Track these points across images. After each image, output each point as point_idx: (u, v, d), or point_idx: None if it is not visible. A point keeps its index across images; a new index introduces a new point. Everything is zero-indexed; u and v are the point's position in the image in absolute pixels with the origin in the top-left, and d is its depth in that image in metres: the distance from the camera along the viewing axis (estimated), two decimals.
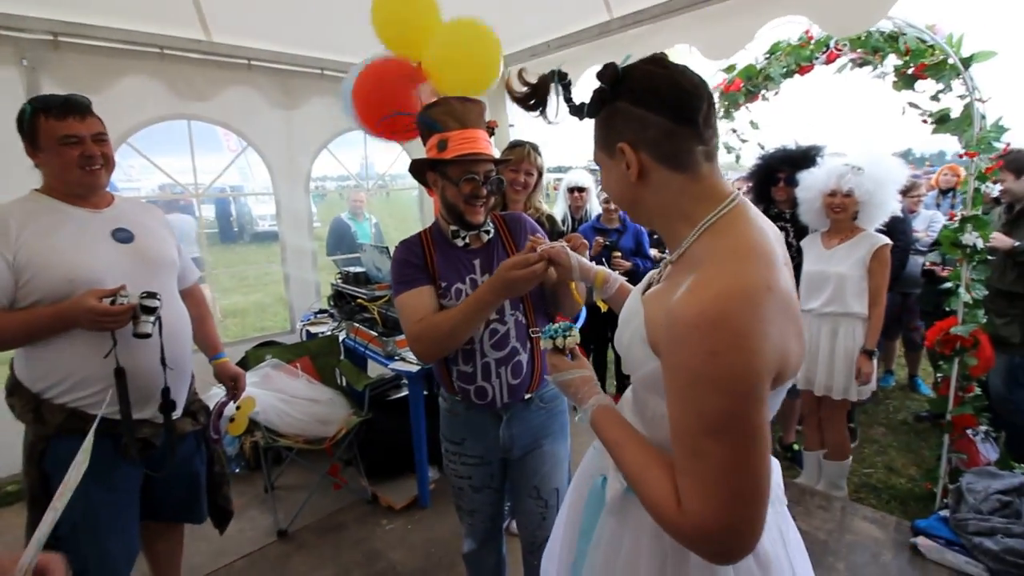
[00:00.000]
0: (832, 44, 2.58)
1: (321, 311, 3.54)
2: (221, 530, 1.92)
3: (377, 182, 4.73)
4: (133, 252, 1.52)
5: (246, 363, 2.75)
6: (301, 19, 3.06)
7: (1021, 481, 2.22)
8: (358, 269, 3.51)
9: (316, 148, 3.84)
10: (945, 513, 2.31)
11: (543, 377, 1.49)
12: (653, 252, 3.68)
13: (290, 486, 2.79)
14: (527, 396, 1.46)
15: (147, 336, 1.41)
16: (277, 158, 3.67)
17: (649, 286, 0.89)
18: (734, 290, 0.65)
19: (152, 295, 1.41)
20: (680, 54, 2.67)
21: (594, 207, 3.89)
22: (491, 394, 1.41)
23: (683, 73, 0.77)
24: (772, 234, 0.77)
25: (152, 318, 1.42)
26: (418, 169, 1.43)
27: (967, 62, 2.19)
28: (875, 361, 2.43)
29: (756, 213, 0.79)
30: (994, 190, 2.35)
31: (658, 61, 0.79)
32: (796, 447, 3.05)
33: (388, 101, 2.06)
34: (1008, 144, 2.28)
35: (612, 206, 3.55)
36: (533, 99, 0.86)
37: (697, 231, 0.76)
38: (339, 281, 3.53)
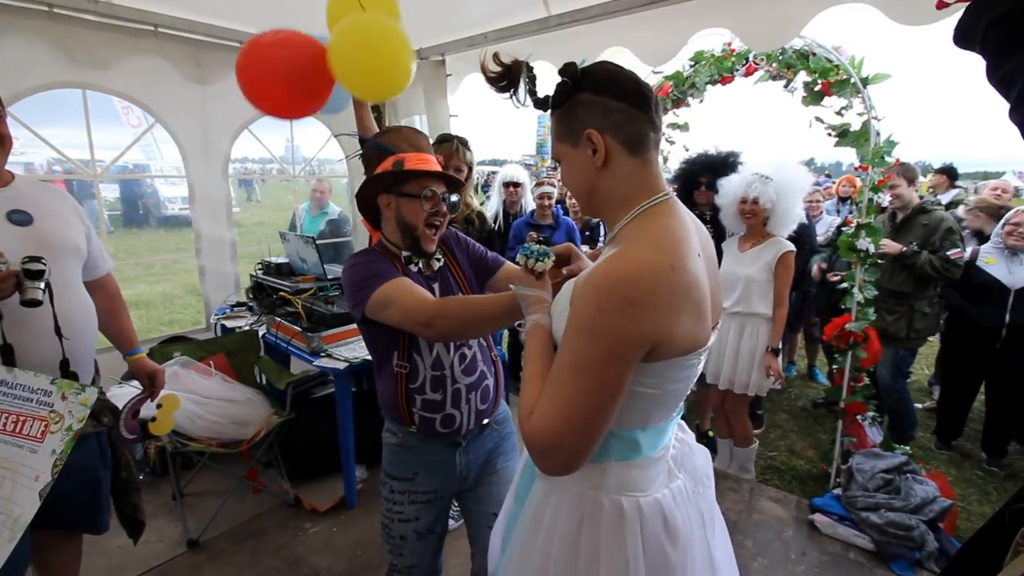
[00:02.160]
0: (751, 58, 2.75)
1: (238, 304, 3.31)
2: (134, 541, 1.77)
3: (305, 167, 4.47)
4: (30, 235, 1.40)
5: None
6: None
7: (901, 461, 2.50)
8: (280, 260, 3.32)
9: (236, 128, 3.56)
10: (838, 491, 2.55)
11: (500, 398, 1.46)
12: (585, 248, 3.76)
13: (202, 492, 2.60)
14: (485, 421, 1.41)
15: (37, 303, 1.27)
16: (190, 137, 3.35)
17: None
18: (639, 262, 0.76)
19: (36, 259, 1.29)
20: (616, 57, 2.74)
21: (528, 202, 3.92)
22: (458, 421, 1.34)
23: (627, 70, 0.87)
24: (693, 227, 0.86)
25: (40, 283, 1.29)
26: (371, 190, 1.33)
27: (866, 82, 2.42)
28: (780, 358, 2.63)
29: (684, 209, 0.88)
30: (884, 199, 2.62)
31: (611, 63, 0.88)
32: (711, 434, 3.25)
33: (293, 77, 1.87)
34: (898, 159, 2.54)
35: (547, 202, 3.60)
36: (505, 81, 0.90)
37: (630, 215, 0.85)
38: (259, 272, 3.32)
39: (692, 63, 2.98)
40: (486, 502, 1.42)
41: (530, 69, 0.89)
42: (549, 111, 0.92)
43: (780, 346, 2.61)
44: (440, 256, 1.41)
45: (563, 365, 0.78)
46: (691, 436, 1.07)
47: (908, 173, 2.99)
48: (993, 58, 0.48)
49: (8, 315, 1.30)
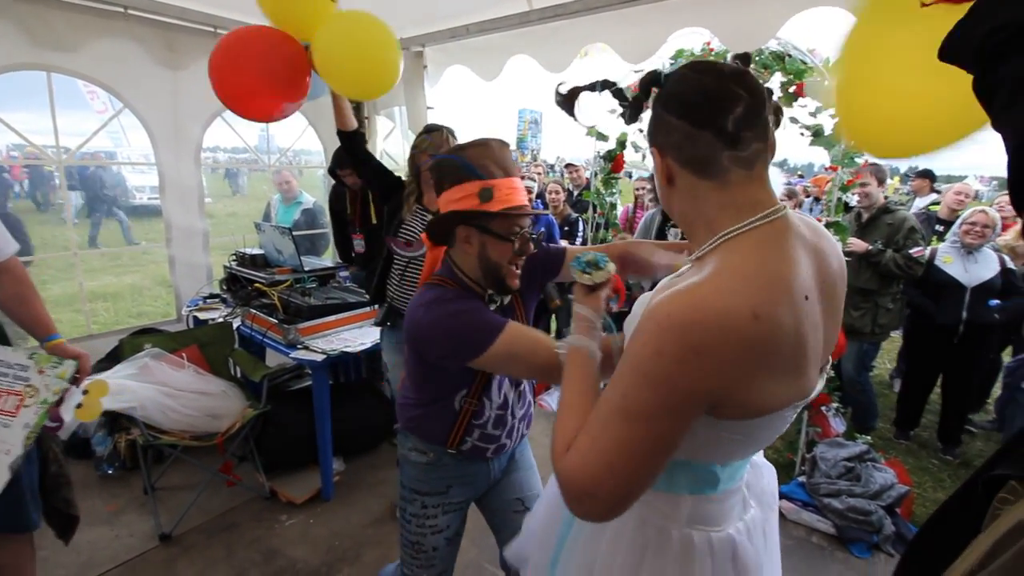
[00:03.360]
0: (728, 57, 2.81)
1: (211, 296, 3.24)
2: (65, 540, 1.69)
3: (280, 157, 4.39)
4: None
5: (120, 353, 2.45)
6: None
7: (862, 449, 2.61)
8: (255, 251, 3.27)
9: (208, 115, 3.47)
10: (802, 479, 2.65)
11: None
12: (563, 243, 3.80)
13: (174, 486, 2.55)
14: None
15: None
16: (160, 123, 3.25)
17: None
18: (712, 306, 0.64)
19: None
20: (599, 53, 2.76)
21: None
22: (508, 447, 1.37)
23: (718, 76, 0.72)
24: (806, 265, 0.72)
25: None
26: (446, 222, 1.17)
27: None
28: None
29: (800, 235, 0.74)
30: (852, 199, 2.72)
31: (696, 65, 0.77)
32: None
33: (266, 76, 1.79)
34: (867, 160, 2.64)
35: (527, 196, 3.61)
36: (570, 104, 0.91)
37: (715, 240, 0.73)
38: (233, 263, 3.26)
39: (672, 61, 3.03)
40: (509, 490, 1.45)
41: (611, 85, 0.86)
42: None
43: None
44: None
45: (612, 407, 0.69)
46: (759, 454, 0.97)
47: (879, 173, 3.11)
48: (982, 69, 0.49)
49: None
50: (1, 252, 1.50)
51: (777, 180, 2.77)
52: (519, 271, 1.20)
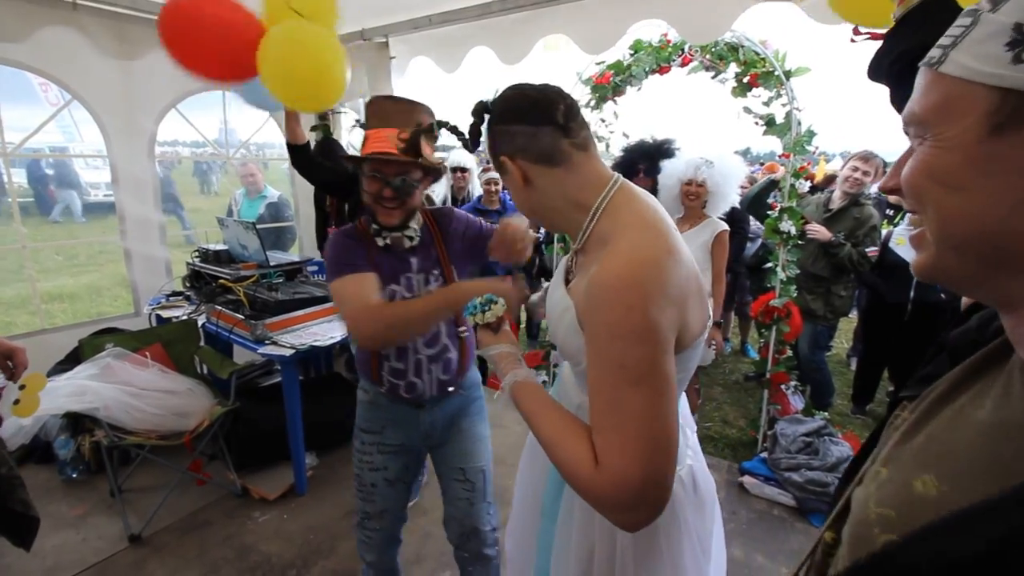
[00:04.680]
0: (686, 48, 2.87)
1: (174, 293, 3.17)
2: (26, 546, 1.63)
3: (239, 150, 4.28)
4: None
5: (81, 353, 2.39)
6: None
7: (819, 425, 2.74)
8: (219, 247, 3.21)
9: (162, 107, 3.38)
10: (764, 455, 2.77)
11: (467, 370, 1.52)
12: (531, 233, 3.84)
13: (142, 487, 2.51)
14: (450, 389, 1.49)
15: None
16: (112, 116, 3.15)
17: (567, 278, 0.94)
18: (641, 256, 0.72)
19: None
20: (559, 45, 2.79)
21: (476, 188, 3.94)
22: (420, 388, 1.44)
23: (532, 87, 0.87)
24: (659, 205, 0.85)
25: None
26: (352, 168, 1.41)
27: (789, 75, 2.59)
28: (719, 330, 2.81)
29: (640, 191, 0.86)
30: (805, 186, 2.82)
31: (514, 86, 0.89)
32: None
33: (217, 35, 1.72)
34: (816, 147, 2.74)
35: (493, 187, 3.63)
36: (414, 150, 1.00)
37: (593, 215, 0.83)
38: (196, 260, 3.19)
39: (632, 52, 3.08)
40: (453, 458, 1.54)
41: (444, 124, 0.98)
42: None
43: (721, 320, 2.78)
44: (416, 235, 1.41)
45: (614, 385, 0.69)
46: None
47: (880, 167, 3.10)
48: (893, 87, 0.59)
49: None
50: None
51: (741, 168, 2.84)
52: (392, 211, 1.34)
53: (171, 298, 3.08)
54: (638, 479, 0.65)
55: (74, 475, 2.56)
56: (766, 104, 2.71)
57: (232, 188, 4.37)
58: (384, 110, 1.34)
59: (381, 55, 3.43)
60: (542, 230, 4.01)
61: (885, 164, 3.11)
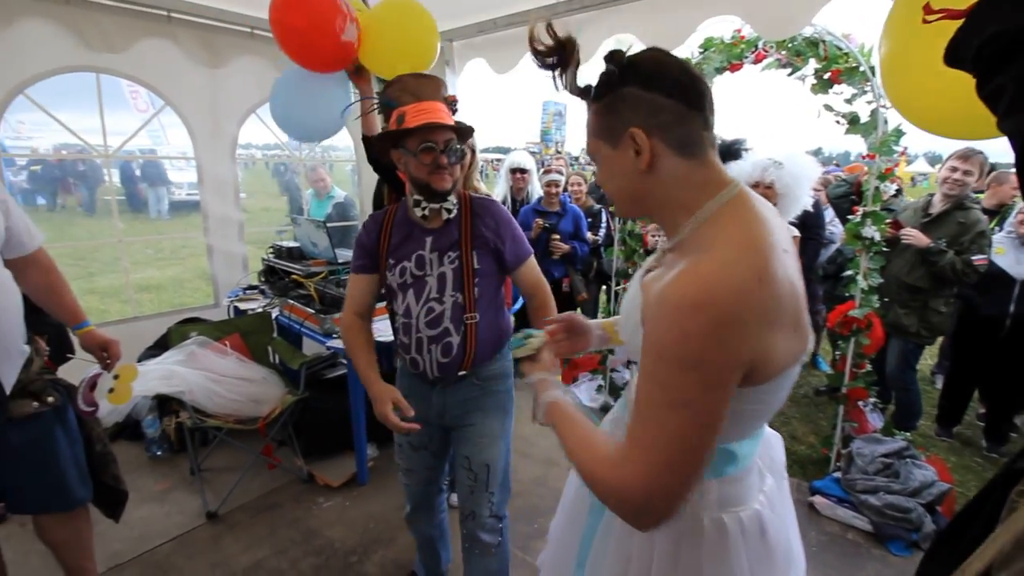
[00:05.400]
0: (760, 45, 2.75)
1: (251, 287, 3.36)
2: (116, 517, 1.79)
3: (310, 152, 4.50)
4: None
5: (169, 340, 2.58)
6: None
7: (901, 446, 2.54)
8: (292, 244, 3.37)
9: (243, 112, 3.60)
10: (838, 475, 2.61)
11: (474, 359, 1.52)
12: (589, 236, 3.80)
13: (219, 468, 2.68)
14: (460, 374, 1.51)
15: None
16: (199, 120, 3.40)
17: (648, 272, 0.89)
18: (722, 278, 0.66)
19: None
20: (623, 43, 2.75)
21: (535, 189, 3.94)
22: (422, 366, 1.49)
23: (688, 61, 0.80)
24: (774, 223, 0.76)
25: None
26: (383, 149, 1.41)
27: (875, 70, 2.42)
28: None
29: (759, 201, 0.77)
30: (891, 189, 2.63)
31: (663, 51, 0.78)
32: None
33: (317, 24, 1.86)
34: (905, 148, 2.55)
35: (554, 190, 3.62)
36: (555, 57, 0.79)
37: (696, 220, 0.76)
38: (271, 256, 3.37)
39: (702, 50, 2.98)
40: (462, 446, 1.60)
41: (578, 48, 0.79)
42: (588, 102, 0.81)
43: None
44: (454, 209, 1.45)
45: (652, 403, 0.69)
46: (764, 426, 0.99)
47: (983, 164, 2.85)
48: (983, 74, 0.50)
49: None
50: (25, 245, 1.55)
51: (813, 169, 2.68)
52: (447, 176, 1.38)
53: (248, 291, 3.27)
54: (648, 491, 0.68)
55: (159, 453, 2.78)
56: (848, 102, 2.55)
57: (303, 189, 4.59)
58: (413, 86, 1.38)
59: (440, 58, 3.50)
60: (601, 232, 3.96)
61: (990, 164, 2.82)
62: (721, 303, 0.65)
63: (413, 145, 1.34)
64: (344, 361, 2.82)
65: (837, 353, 2.84)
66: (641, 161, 0.75)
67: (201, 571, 2.05)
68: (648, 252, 3.51)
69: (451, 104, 1.40)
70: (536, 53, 0.79)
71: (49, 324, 1.84)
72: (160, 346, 2.80)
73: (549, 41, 0.77)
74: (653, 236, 3.34)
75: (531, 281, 1.55)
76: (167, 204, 11.08)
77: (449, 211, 1.44)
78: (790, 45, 2.61)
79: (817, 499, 2.53)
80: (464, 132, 1.41)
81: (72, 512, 1.66)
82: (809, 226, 2.92)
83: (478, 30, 3.19)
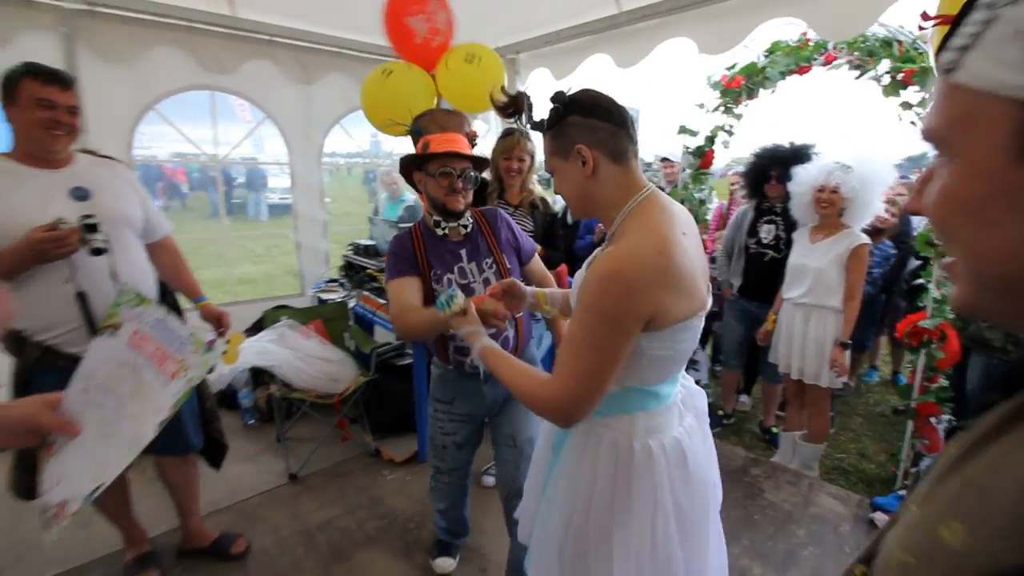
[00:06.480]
0: (831, 46, 2.69)
1: (331, 280, 3.73)
2: (217, 466, 2.10)
3: (388, 159, 4.87)
4: (89, 209, 1.57)
5: (263, 323, 2.96)
6: None
7: None
8: (368, 242, 3.70)
9: (329, 123, 3.98)
10: (903, 492, 2.49)
11: (525, 346, 1.71)
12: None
13: (300, 437, 3.01)
14: None
15: (103, 251, 1.53)
16: (293, 131, 3.81)
17: (592, 260, 1.13)
18: (631, 255, 0.93)
19: (88, 216, 1.52)
20: (674, 49, 2.79)
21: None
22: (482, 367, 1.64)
23: (606, 95, 1.04)
24: (678, 214, 1.04)
25: (101, 236, 1.52)
26: (406, 168, 1.64)
27: None
28: (848, 353, 2.55)
29: (665, 199, 1.05)
30: None
31: (590, 90, 1.04)
32: (775, 430, 3.22)
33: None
34: None
35: None
36: (511, 108, 1.08)
37: (622, 215, 1.03)
38: (350, 252, 3.72)
39: (767, 54, 2.96)
40: (507, 426, 1.75)
41: (528, 99, 1.08)
42: (543, 132, 1.07)
43: (849, 340, 2.55)
44: (469, 223, 1.65)
45: (579, 342, 0.96)
46: (690, 381, 1.25)
47: None
48: None
49: (80, 273, 1.55)
50: (156, 233, 1.91)
51: (886, 174, 2.57)
52: (459, 198, 1.56)
53: (329, 283, 3.65)
54: (570, 401, 0.97)
55: (251, 421, 3.17)
56: (920, 105, 2.45)
57: (380, 191, 4.99)
58: (441, 118, 1.66)
59: (509, 70, 3.70)
60: None
61: None
62: (629, 273, 0.91)
63: (434, 168, 1.55)
64: (410, 351, 3.08)
65: (907, 366, 2.70)
66: (587, 168, 1.01)
67: (283, 522, 2.36)
68: None
69: (471, 138, 1.63)
70: (497, 108, 1.09)
71: (165, 303, 2.20)
72: (255, 328, 3.19)
73: (504, 98, 1.07)
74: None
75: (540, 272, 1.77)
76: (265, 207, 12.16)
77: (465, 227, 1.64)
78: (862, 45, 2.55)
79: (878, 515, 2.44)
80: (480, 162, 1.62)
81: (186, 457, 2.00)
82: (897, 234, 2.78)
83: (544, 42, 3.36)
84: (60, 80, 1.57)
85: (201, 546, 2.13)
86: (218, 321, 2.00)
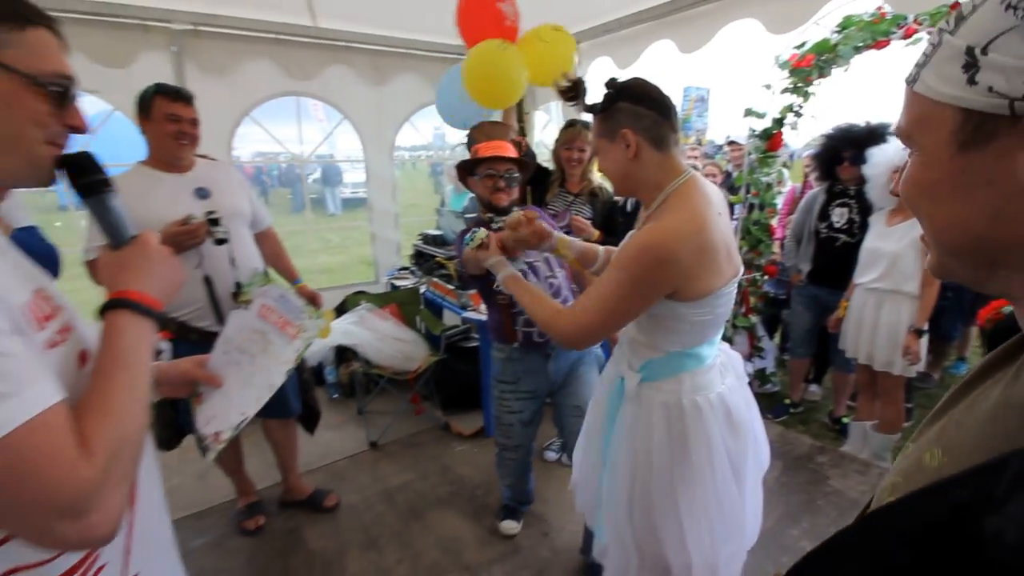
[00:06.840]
0: (910, 19, 2.56)
1: (403, 268, 4.01)
2: (311, 430, 2.38)
3: (451, 152, 5.09)
4: (210, 206, 1.86)
5: (345, 307, 3.27)
6: (393, 3, 3.39)
7: None
8: (436, 231, 3.93)
9: (400, 120, 4.22)
10: None
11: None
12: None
13: (378, 411, 3.30)
14: None
15: (225, 241, 1.82)
16: (368, 129, 4.08)
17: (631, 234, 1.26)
18: (668, 231, 1.06)
19: (212, 212, 1.81)
20: (740, 31, 2.74)
21: None
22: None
23: (661, 88, 1.15)
24: (713, 196, 1.15)
25: (222, 228, 1.81)
26: (461, 173, 1.90)
27: None
28: (924, 341, 2.44)
29: (703, 183, 1.16)
30: None
31: (641, 79, 1.16)
32: (845, 420, 3.13)
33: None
34: None
35: None
36: (572, 93, 1.18)
37: (663, 195, 1.14)
38: (420, 242, 3.96)
39: (839, 29, 2.84)
40: (571, 397, 1.92)
41: (584, 83, 1.18)
42: (594, 113, 1.18)
43: (925, 327, 2.45)
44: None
45: (607, 291, 1.10)
46: (726, 345, 1.37)
47: None
48: None
49: (206, 260, 1.85)
50: (261, 224, 2.21)
51: None
52: (504, 195, 1.78)
53: (401, 271, 3.92)
54: (590, 330, 1.14)
55: (336, 395, 3.51)
56: None
57: (446, 183, 5.23)
58: (488, 129, 1.96)
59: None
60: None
61: None
62: (666, 247, 1.03)
63: (481, 171, 1.79)
64: (476, 336, 3.27)
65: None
66: (630, 151, 1.11)
67: (366, 483, 2.64)
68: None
69: (517, 144, 1.87)
70: (561, 92, 1.20)
71: None
72: (339, 311, 3.52)
73: (567, 83, 1.18)
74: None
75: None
76: (340, 201, 12.90)
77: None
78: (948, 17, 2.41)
79: None
80: (524, 165, 1.83)
81: (287, 420, 2.30)
82: None
83: (604, 30, 3.38)
84: (184, 97, 1.86)
85: (299, 499, 2.44)
86: (312, 300, 2.25)
